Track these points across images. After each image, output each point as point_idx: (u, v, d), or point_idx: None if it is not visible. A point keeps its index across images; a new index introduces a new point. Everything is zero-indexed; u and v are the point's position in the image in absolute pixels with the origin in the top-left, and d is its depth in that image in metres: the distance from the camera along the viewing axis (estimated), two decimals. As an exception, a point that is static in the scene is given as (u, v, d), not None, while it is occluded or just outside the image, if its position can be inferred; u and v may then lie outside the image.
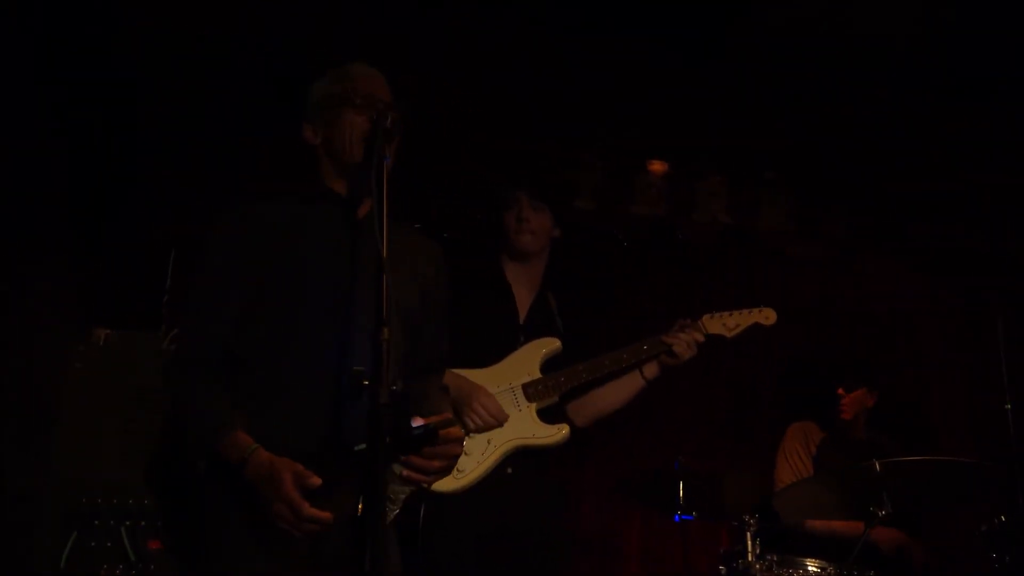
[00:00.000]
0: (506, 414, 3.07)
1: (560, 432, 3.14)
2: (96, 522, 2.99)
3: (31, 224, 3.46)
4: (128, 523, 3.00)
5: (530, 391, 3.16)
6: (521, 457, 3.11)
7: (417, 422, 2.00)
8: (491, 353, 3.20)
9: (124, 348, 3.25)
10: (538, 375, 3.19)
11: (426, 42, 4.15)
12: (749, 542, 3.20)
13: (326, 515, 1.95)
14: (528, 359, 3.22)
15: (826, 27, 4.31)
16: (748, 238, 5.14)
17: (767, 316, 3.42)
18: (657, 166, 5.02)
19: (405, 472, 2.05)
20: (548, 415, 3.18)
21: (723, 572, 3.28)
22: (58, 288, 3.54)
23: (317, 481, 1.96)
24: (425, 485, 2.17)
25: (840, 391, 4.31)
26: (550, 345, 3.24)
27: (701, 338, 3.32)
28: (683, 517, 3.47)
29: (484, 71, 4.38)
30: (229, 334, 2.14)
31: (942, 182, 5.26)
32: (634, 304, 4.79)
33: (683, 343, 3.28)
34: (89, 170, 3.74)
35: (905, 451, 3.82)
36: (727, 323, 3.37)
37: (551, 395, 3.19)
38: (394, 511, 2.17)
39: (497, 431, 3.07)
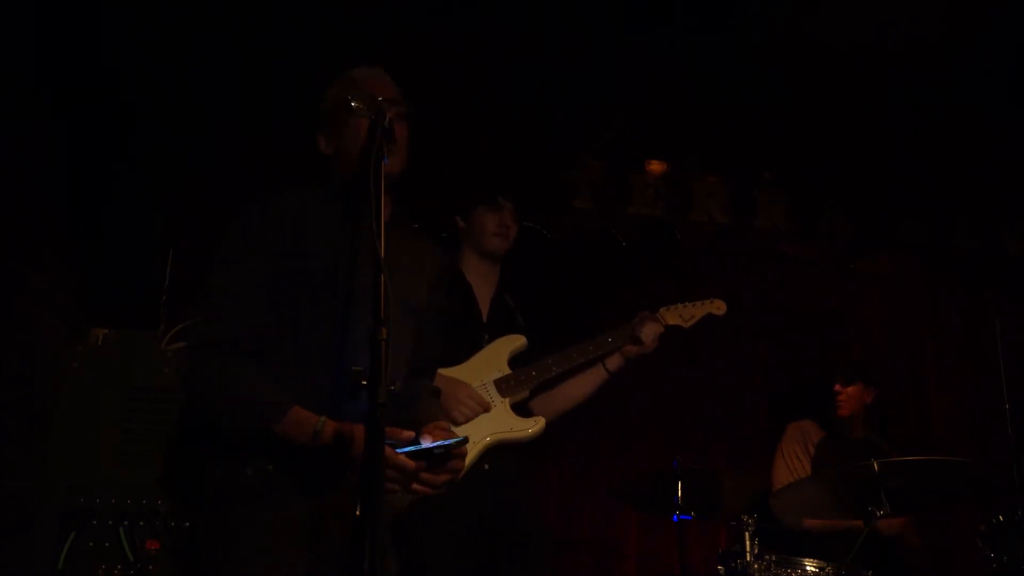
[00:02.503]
0: (488, 401, 3.13)
1: (537, 424, 3.18)
2: (94, 522, 2.98)
3: (29, 223, 3.46)
4: (126, 523, 2.99)
5: (502, 386, 3.21)
6: (497, 453, 3.13)
7: (426, 440, 2.02)
8: (457, 352, 3.23)
9: (122, 348, 3.23)
10: (508, 371, 3.24)
11: (425, 42, 4.14)
12: (747, 542, 3.20)
13: (411, 464, 1.97)
14: (496, 356, 3.27)
15: (825, 27, 4.31)
16: (745, 238, 5.14)
17: (719, 307, 3.56)
18: (655, 166, 5.01)
19: (414, 485, 2.06)
20: (519, 410, 3.22)
21: (721, 572, 3.27)
22: (56, 287, 3.53)
23: (409, 434, 1.99)
24: (430, 494, 2.20)
25: (837, 387, 4.31)
26: (516, 342, 3.30)
27: (663, 329, 3.45)
28: (681, 517, 3.46)
29: (483, 71, 4.37)
30: (259, 318, 2.09)
31: (942, 182, 5.26)
32: (633, 304, 4.77)
33: (649, 332, 3.40)
34: (88, 170, 3.73)
35: (902, 452, 3.82)
36: (683, 314, 3.51)
37: (523, 389, 3.24)
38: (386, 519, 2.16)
39: (475, 427, 3.10)
